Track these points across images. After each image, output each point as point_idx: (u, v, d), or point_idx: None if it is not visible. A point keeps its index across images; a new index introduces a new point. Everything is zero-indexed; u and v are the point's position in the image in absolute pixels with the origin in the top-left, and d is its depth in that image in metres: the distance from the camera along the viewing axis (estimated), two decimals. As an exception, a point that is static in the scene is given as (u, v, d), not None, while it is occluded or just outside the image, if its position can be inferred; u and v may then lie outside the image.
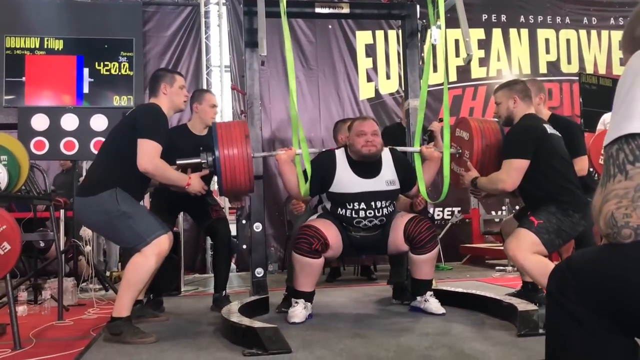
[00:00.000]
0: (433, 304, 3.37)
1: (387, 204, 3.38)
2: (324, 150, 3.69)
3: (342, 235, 3.37)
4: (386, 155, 3.45)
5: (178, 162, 3.34)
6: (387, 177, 3.39)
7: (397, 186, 3.43)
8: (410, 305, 3.53)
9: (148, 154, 2.98)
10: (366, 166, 3.35)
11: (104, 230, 3.31)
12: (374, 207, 3.33)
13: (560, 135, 3.26)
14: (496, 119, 3.52)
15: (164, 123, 3.15)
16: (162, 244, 2.96)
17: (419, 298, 3.44)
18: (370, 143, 3.29)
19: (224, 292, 3.84)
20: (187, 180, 3.22)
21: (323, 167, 3.38)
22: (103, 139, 4.31)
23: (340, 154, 3.42)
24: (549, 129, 3.20)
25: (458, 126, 3.66)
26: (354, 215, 3.33)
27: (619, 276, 1.06)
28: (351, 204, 3.32)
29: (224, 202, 6.83)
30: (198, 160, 3.32)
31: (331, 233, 3.30)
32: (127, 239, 3.03)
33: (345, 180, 3.33)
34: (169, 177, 3.15)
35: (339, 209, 3.36)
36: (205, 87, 6.77)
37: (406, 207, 3.82)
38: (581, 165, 3.51)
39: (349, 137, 3.40)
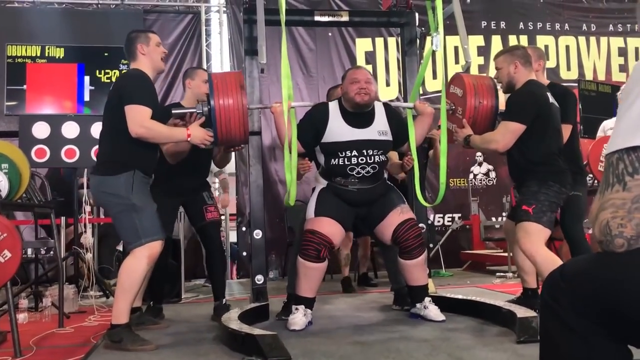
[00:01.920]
0: (433, 311, 3.38)
1: (378, 153, 3.38)
2: (317, 103, 3.70)
3: (343, 214, 3.37)
4: (379, 108, 3.47)
5: (174, 111, 3.32)
6: (379, 128, 3.40)
7: (389, 137, 3.44)
8: (410, 311, 3.53)
9: (137, 119, 2.91)
10: (359, 116, 3.37)
11: (110, 213, 3.14)
12: (365, 154, 3.33)
13: (558, 105, 3.30)
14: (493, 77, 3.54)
15: (148, 85, 3.06)
16: (154, 247, 2.94)
17: (418, 305, 3.45)
18: (364, 91, 3.29)
19: (224, 300, 3.82)
20: (186, 132, 3.06)
21: (316, 117, 3.41)
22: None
23: (333, 106, 3.44)
24: (550, 98, 3.25)
25: (452, 83, 3.68)
26: (346, 162, 3.33)
27: (612, 284, 1.06)
28: (343, 152, 3.33)
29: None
30: (194, 110, 3.30)
31: (334, 230, 3.31)
32: (125, 232, 2.98)
33: (337, 129, 3.35)
34: (166, 135, 3.08)
35: (332, 160, 3.37)
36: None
37: (397, 168, 3.82)
38: (563, 132, 3.46)
39: (343, 86, 3.42)
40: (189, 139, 3.07)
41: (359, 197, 3.40)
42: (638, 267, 1.04)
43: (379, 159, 3.39)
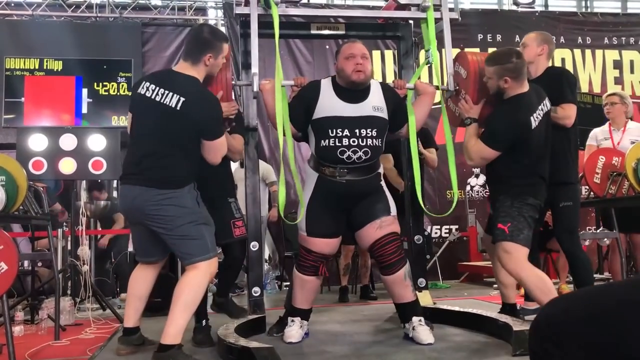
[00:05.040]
0: (421, 333, 3.10)
1: (372, 134, 3.14)
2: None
3: (334, 225, 3.24)
4: (375, 85, 3.30)
5: None
6: (374, 103, 3.20)
7: (384, 114, 3.22)
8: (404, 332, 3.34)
9: (220, 152, 2.92)
10: (352, 92, 3.20)
11: (171, 225, 2.77)
12: (357, 135, 3.11)
13: (545, 118, 3.17)
14: None
15: (220, 108, 3.00)
16: (215, 263, 2.82)
17: (406, 325, 3.22)
18: (360, 66, 3.14)
19: (230, 296, 3.64)
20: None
21: (307, 94, 3.25)
22: (101, 159, 4.35)
23: (325, 82, 3.30)
24: (534, 122, 3.10)
25: (457, 61, 3.55)
26: (337, 143, 3.11)
27: (609, 336, 0.96)
28: (334, 131, 3.11)
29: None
30: None
31: (329, 248, 3.24)
32: (192, 245, 2.75)
33: (329, 104, 3.17)
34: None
35: (322, 141, 3.15)
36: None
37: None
38: (563, 113, 3.41)
39: (337, 62, 3.26)
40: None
41: (346, 190, 3.17)
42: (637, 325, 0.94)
43: (372, 142, 3.15)
